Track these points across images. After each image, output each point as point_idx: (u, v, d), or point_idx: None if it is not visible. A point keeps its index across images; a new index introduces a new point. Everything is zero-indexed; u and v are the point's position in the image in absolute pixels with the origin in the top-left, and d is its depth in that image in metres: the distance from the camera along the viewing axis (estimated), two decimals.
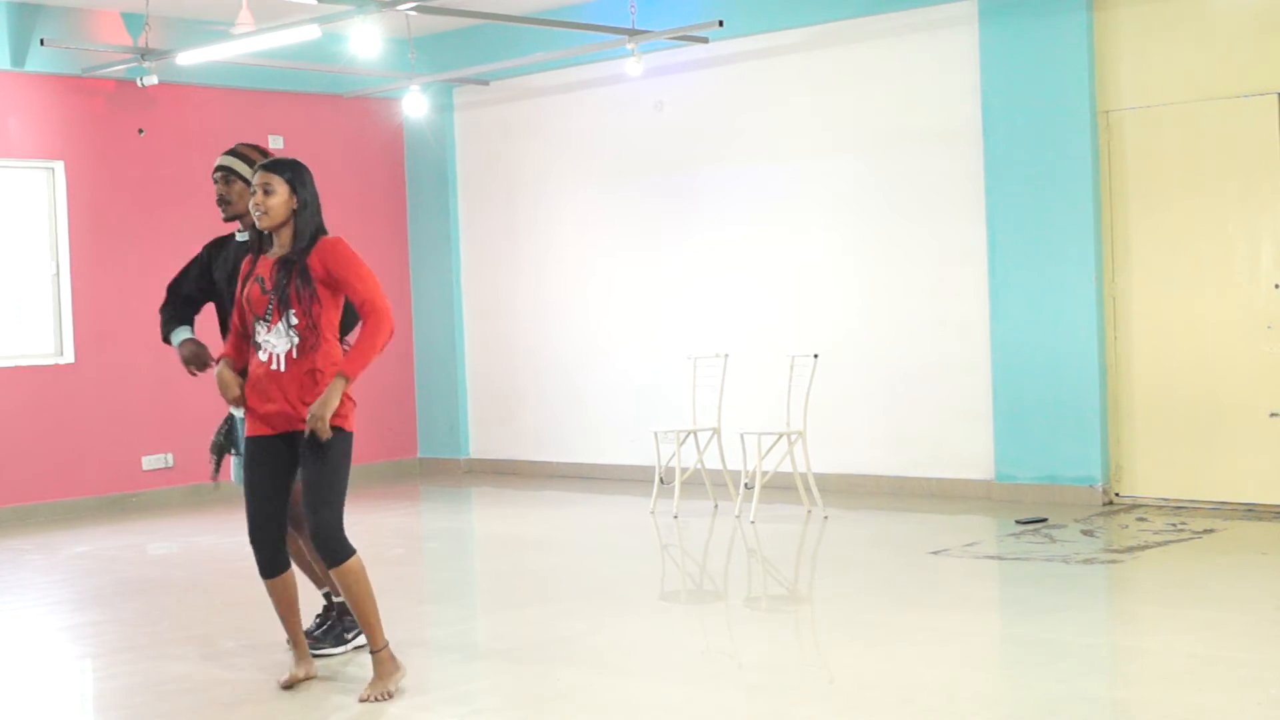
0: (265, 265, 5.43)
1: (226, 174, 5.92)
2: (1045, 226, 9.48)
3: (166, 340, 6.11)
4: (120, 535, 9.76)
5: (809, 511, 9.46)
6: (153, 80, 10.23)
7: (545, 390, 12.27)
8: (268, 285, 5.37)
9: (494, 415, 12.65)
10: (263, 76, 11.60)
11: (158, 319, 6.19)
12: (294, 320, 5.31)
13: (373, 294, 5.34)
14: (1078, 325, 9.38)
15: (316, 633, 6.06)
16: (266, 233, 5.44)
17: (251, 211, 5.38)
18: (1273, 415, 8.82)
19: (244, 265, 5.53)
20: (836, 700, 5.25)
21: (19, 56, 10.44)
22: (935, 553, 7.97)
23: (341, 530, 5.40)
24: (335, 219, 13.15)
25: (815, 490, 9.46)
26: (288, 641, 5.72)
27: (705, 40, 10.63)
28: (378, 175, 12.78)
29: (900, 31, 10.12)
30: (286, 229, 5.42)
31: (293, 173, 5.43)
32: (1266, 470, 8.85)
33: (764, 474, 9.33)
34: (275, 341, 5.35)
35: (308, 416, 5.27)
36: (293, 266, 5.36)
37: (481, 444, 12.75)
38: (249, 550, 5.54)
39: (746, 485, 9.49)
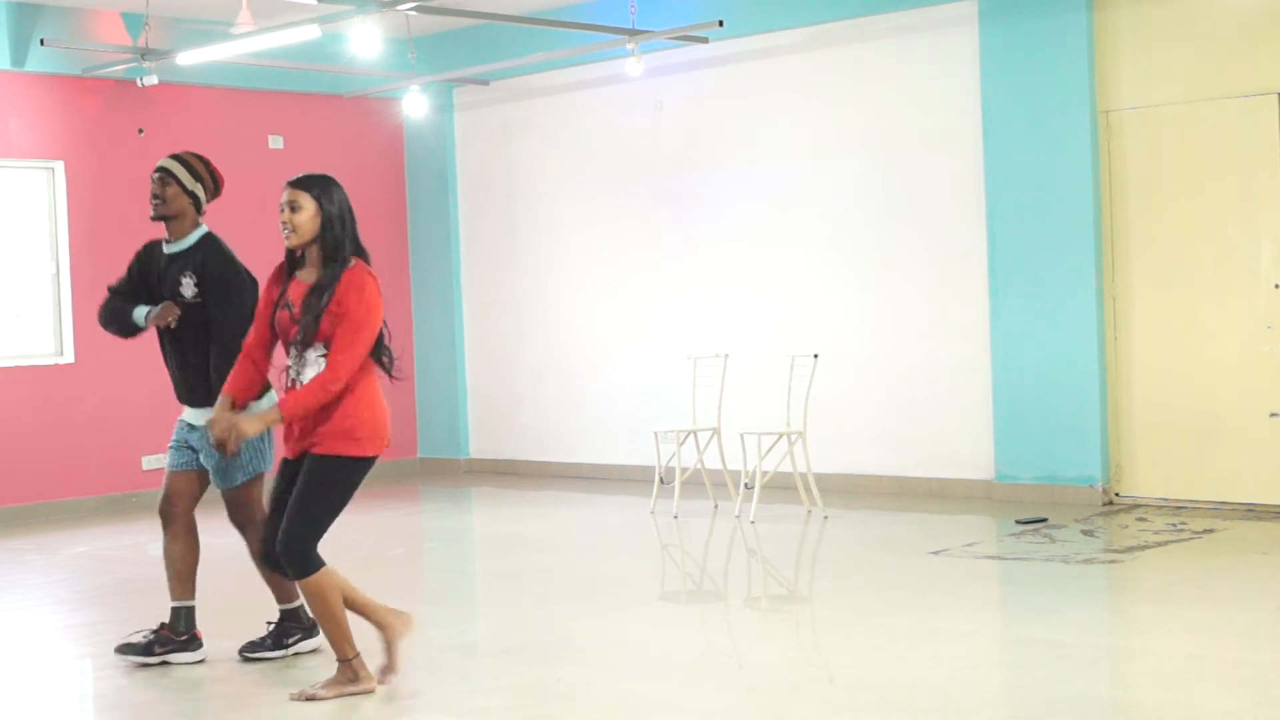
0: (297, 290, 5.36)
1: (165, 175, 6.02)
2: (1045, 226, 9.48)
3: (127, 325, 6.12)
4: (120, 535, 9.76)
5: (809, 511, 9.46)
6: (153, 80, 10.23)
7: (545, 390, 12.27)
8: (296, 313, 5.31)
9: (494, 415, 12.65)
10: (263, 76, 11.60)
11: (101, 320, 6.25)
12: (323, 350, 5.25)
13: (349, 347, 5.21)
14: (1077, 325, 9.37)
15: (259, 638, 6.12)
16: (297, 253, 5.40)
17: (281, 230, 5.34)
18: (1273, 415, 8.82)
19: (270, 285, 5.49)
20: (836, 700, 5.25)
21: (19, 56, 10.44)
22: (935, 553, 7.97)
23: (307, 545, 5.29)
24: None
25: (815, 490, 9.46)
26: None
27: (705, 40, 10.63)
28: (378, 175, 12.78)
29: (900, 31, 10.12)
30: (315, 247, 5.34)
31: (320, 188, 5.35)
32: (1266, 470, 8.85)
33: (764, 474, 9.33)
34: (305, 370, 5.28)
35: (217, 425, 5.28)
36: (321, 295, 5.26)
37: (481, 444, 12.75)
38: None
39: (746, 485, 9.49)
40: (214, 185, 6.15)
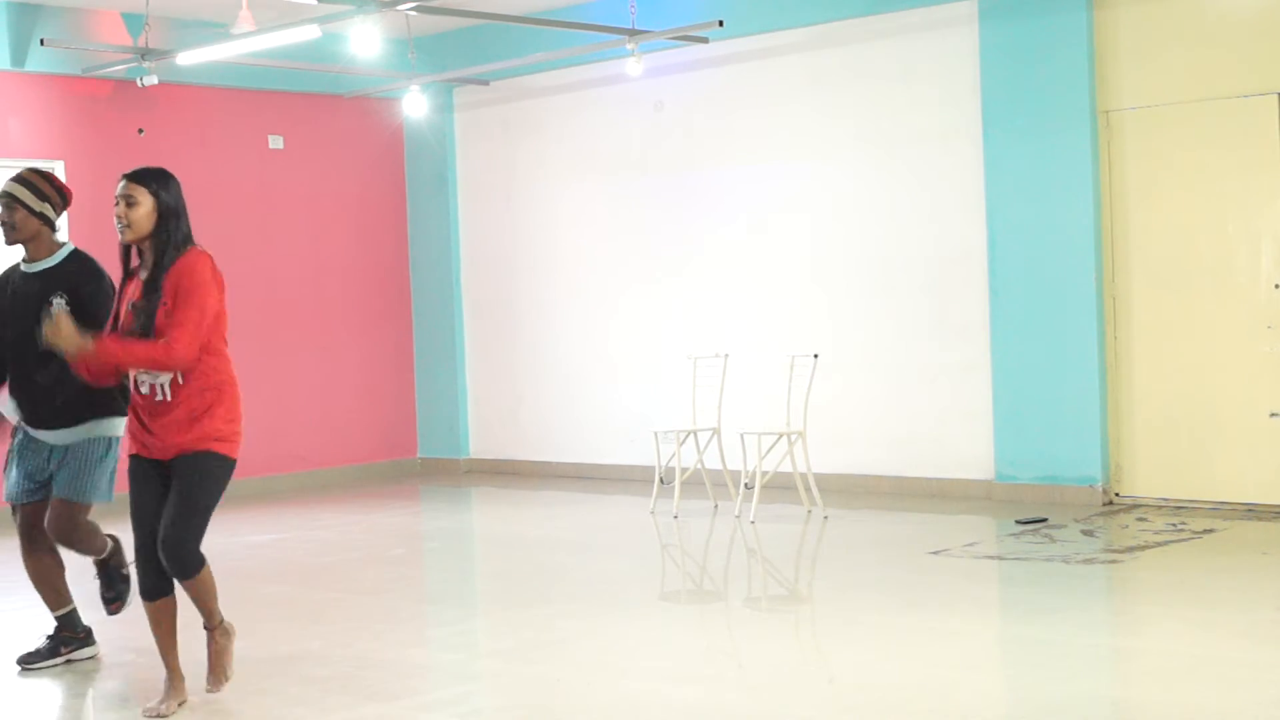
0: (136, 287, 5.25)
1: (9, 200, 5.90)
2: (1045, 226, 9.48)
3: None
4: (119, 535, 9.74)
5: (809, 511, 9.46)
6: (153, 80, 10.23)
7: (545, 390, 12.27)
8: (137, 311, 5.17)
9: (494, 415, 12.65)
10: (263, 76, 11.60)
11: None
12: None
13: (184, 322, 5.07)
14: (1078, 325, 9.38)
15: (34, 649, 6.18)
16: (133, 249, 5.27)
17: (116, 224, 5.22)
18: (1273, 415, 8.82)
19: (122, 285, 5.36)
20: (836, 700, 5.25)
21: (19, 56, 10.44)
22: (935, 553, 7.97)
23: (192, 545, 5.20)
24: (335, 219, 13.18)
25: (815, 490, 9.46)
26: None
27: (705, 40, 10.63)
28: (378, 175, 12.78)
29: (900, 31, 10.12)
30: (150, 243, 5.22)
31: (158, 183, 5.25)
32: (1266, 470, 8.85)
33: (764, 474, 9.33)
34: (156, 371, 5.14)
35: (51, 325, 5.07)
36: (154, 289, 5.15)
37: (481, 444, 12.75)
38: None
39: (746, 485, 9.49)
40: (61, 200, 6.02)
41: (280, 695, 5.50)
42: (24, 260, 6.03)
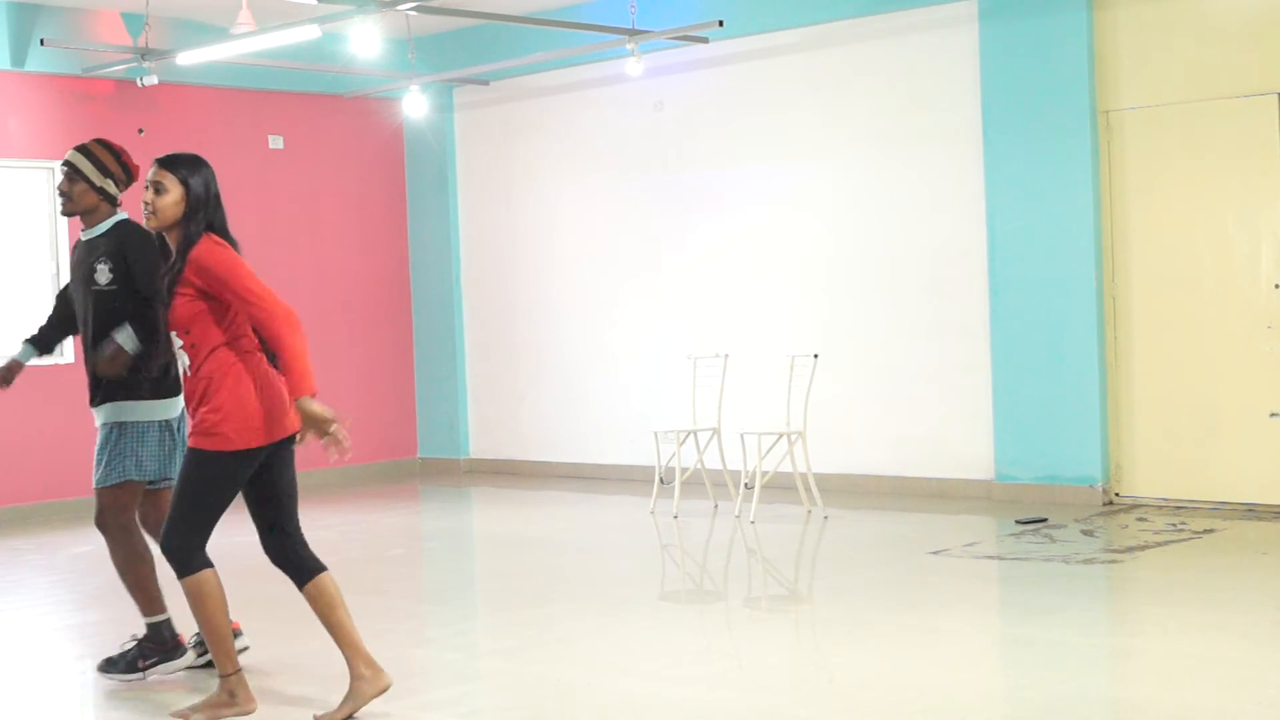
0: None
1: (71, 172, 5.76)
2: (1045, 226, 9.48)
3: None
4: None
5: (809, 511, 9.46)
6: (153, 80, 10.23)
7: (545, 390, 12.27)
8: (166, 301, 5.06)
9: (494, 415, 12.65)
10: (263, 76, 11.60)
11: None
12: (179, 341, 5.02)
13: (263, 298, 4.97)
14: (1078, 325, 9.38)
15: (113, 655, 5.87)
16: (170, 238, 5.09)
17: (143, 210, 5.07)
18: (1273, 415, 8.82)
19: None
20: (836, 700, 5.25)
21: (19, 56, 10.44)
22: (935, 553, 7.97)
23: (185, 543, 5.04)
24: (335, 219, 13.16)
25: (815, 490, 9.46)
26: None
27: (705, 40, 10.63)
28: (378, 175, 12.78)
29: (900, 31, 10.12)
30: (176, 231, 5.06)
31: (189, 169, 5.07)
32: (1266, 470, 8.85)
33: (764, 474, 9.33)
34: (179, 356, 5.07)
35: (309, 429, 5.05)
36: (175, 282, 5.01)
37: (481, 444, 12.75)
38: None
39: (746, 485, 9.49)
40: (125, 176, 5.85)
41: (280, 695, 5.49)
42: (83, 229, 5.89)
